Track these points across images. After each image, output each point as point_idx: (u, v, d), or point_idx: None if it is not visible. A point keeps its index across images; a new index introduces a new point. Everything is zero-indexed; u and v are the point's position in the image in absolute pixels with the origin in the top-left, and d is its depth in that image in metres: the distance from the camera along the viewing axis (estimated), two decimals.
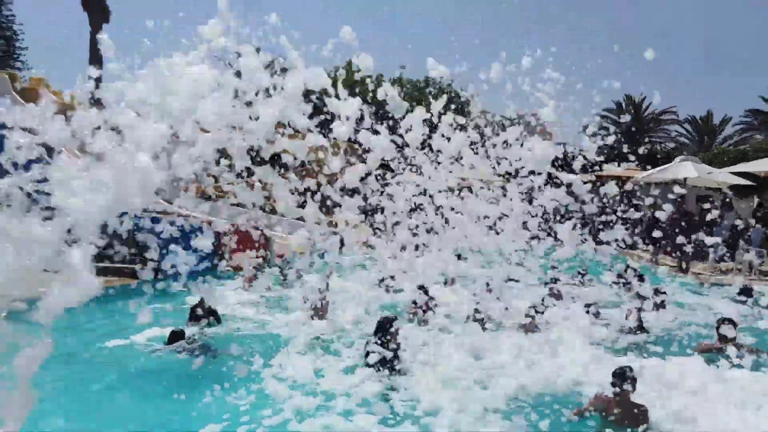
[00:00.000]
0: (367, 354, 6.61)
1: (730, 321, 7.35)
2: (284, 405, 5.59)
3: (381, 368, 6.49)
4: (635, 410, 5.12)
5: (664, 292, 10.19)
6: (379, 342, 6.68)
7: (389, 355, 6.55)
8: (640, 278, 10.78)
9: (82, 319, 8.12)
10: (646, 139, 41.79)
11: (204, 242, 6.48)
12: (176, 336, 7.31)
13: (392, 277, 10.26)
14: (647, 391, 5.62)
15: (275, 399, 5.79)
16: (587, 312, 8.74)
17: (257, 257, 13.46)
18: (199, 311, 8.06)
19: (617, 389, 5.13)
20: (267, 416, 5.36)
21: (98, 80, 5.13)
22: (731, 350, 6.86)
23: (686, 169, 17.90)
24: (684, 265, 15.74)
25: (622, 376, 5.17)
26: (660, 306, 9.70)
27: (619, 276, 12.09)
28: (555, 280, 10.86)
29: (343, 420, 5.35)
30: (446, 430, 5.18)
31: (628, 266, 12.83)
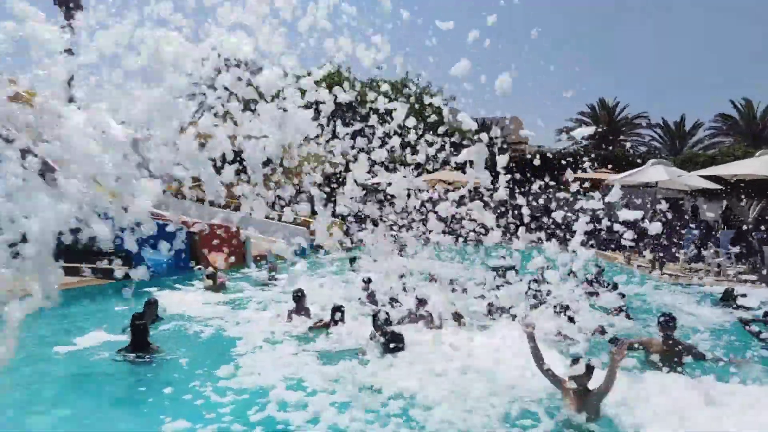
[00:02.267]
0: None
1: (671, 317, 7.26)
2: (269, 399, 5.64)
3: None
4: (589, 396, 5.28)
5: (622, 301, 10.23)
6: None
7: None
8: (614, 286, 10.92)
9: (52, 318, 7.98)
10: (619, 142, 42.45)
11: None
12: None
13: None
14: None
15: (260, 394, 5.81)
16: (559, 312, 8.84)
17: (226, 260, 13.40)
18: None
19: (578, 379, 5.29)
20: (252, 413, 5.35)
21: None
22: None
23: (657, 173, 18.25)
24: (657, 266, 16.07)
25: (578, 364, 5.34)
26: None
27: (594, 280, 12.16)
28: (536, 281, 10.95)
29: (329, 412, 5.40)
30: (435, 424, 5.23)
31: (599, 267, 12.95)
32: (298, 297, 9.04)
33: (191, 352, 7.32)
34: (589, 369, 5.35)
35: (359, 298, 10.22)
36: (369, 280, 10.54)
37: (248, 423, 5.15)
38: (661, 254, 16.19)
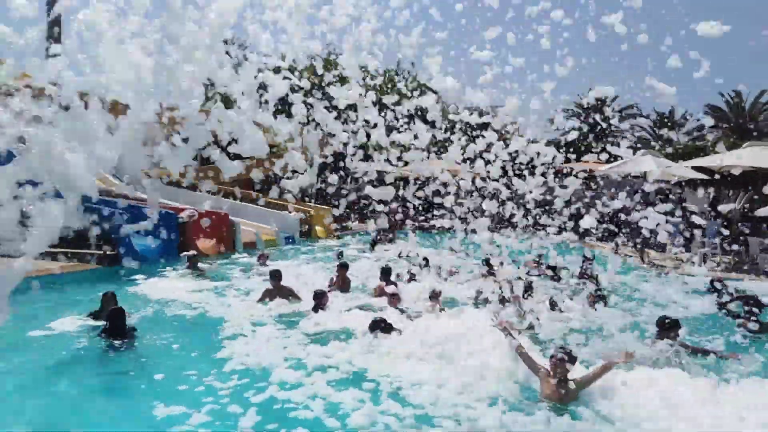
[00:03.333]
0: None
1: (674, 321, 6.80)
2: (269, 380, 5.73)
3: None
4: (568, 385, 5.37)
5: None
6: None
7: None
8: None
9: (29, 302, 7.92)
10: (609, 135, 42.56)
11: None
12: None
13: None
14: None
15: (259, 375, 5.90)
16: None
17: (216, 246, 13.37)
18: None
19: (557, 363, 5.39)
20: (252, 393, 5.41)
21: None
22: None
23: (646, 163, 18.35)
24: (643, 255, 16.24)
25: (562, 351, 5.46)
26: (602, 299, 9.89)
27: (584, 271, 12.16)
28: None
29: (327, 390, 5.51)
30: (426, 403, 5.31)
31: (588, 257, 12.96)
32: (275, 277, 9.26)
33: (176, 337, 7.31)
34: (572, 359, 5.45)
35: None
36: (346, 266, 10.72)
37: (242, 404, 5.18)
38: (646, 244, 16.34)
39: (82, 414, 5.12)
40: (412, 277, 10.81)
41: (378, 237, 17.89)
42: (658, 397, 5.32)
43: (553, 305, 8.89)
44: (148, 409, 5.04)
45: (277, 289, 9.18)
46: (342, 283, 10.26)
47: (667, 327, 6.58)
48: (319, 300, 8.42)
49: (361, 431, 4.73)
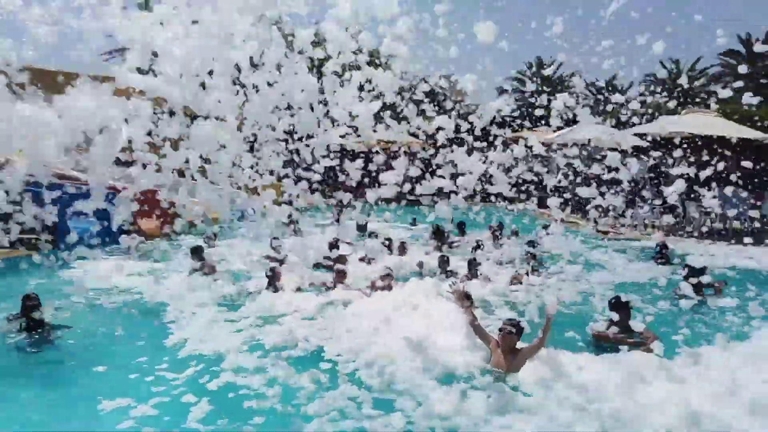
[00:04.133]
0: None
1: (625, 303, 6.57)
2: (221, 366, 5.58)
3: None
4: (515, 355, 5.54)
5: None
6: None
7: None
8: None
9: None
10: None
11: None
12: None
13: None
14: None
15: (211, 360, 5.73)
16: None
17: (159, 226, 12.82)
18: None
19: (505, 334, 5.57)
20: (206, 380, 5.28)
21: None
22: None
23: (591, 130, 18.76)
24: (590, 221, 16.68)
25: (510, 324, 5.64)
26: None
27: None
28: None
29: (283, 373, 5.42)
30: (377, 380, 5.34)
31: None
32: (195, 251, 9.60)
33: (117, 325, 6.93)
34: (519, 329, 5.62)
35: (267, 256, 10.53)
36: (277, 239, 10.70)
37: (195, 393, 5.00)
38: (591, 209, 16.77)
39: (19, 413, 4.81)
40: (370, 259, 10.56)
41: (340, 211, 17.61)
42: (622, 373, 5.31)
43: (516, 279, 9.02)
44: (89, 405, 4.76)
45: (201, 267, 9.15)
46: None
47: (618, 307, 6.51)
48: (273, 277, 8.23)
49: (318, 418, 4.62)
